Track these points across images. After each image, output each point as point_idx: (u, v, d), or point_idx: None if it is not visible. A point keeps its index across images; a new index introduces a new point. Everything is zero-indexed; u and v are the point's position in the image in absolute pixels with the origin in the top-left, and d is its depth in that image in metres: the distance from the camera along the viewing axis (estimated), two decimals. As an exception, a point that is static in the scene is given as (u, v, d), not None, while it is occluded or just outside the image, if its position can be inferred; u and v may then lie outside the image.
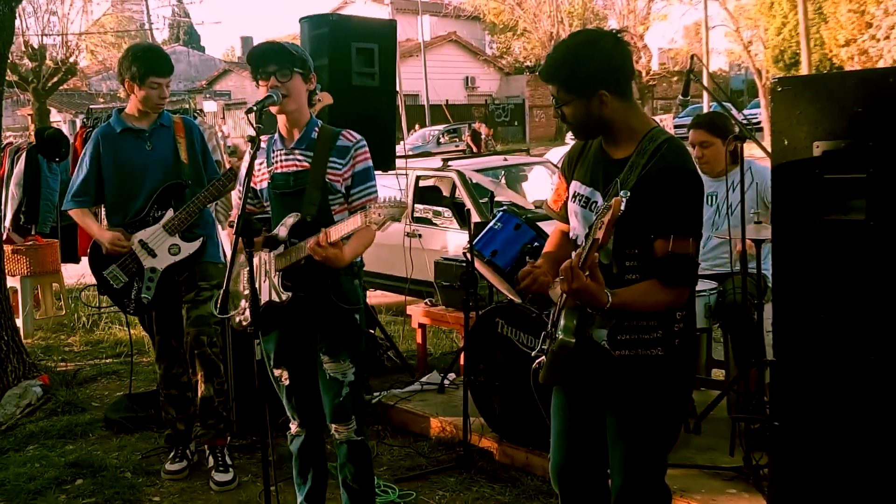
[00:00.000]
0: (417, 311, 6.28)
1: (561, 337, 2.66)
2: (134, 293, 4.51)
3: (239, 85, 39.22)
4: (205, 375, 4.61)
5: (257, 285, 3.56)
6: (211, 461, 4.67)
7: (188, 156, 4.52)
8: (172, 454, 4.75)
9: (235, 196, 3.80)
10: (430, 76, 36.23)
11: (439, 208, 8.92)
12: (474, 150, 28.31)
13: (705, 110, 23.58)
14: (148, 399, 5.52)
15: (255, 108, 3.35)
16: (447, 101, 37.18)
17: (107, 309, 7.80)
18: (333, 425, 3.61)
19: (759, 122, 25.67)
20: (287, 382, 3.69)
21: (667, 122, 27.73)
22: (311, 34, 5.47)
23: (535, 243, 4.68)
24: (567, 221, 3.00)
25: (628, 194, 2.27)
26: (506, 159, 9.54)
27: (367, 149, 3.62)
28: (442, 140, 30.43)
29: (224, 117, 36.96)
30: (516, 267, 4.67)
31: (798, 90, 2.95)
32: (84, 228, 4.63)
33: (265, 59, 3.50)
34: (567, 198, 2.95)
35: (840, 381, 2.88)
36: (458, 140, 30.82)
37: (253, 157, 3.33)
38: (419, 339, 6.37)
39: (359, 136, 3.63)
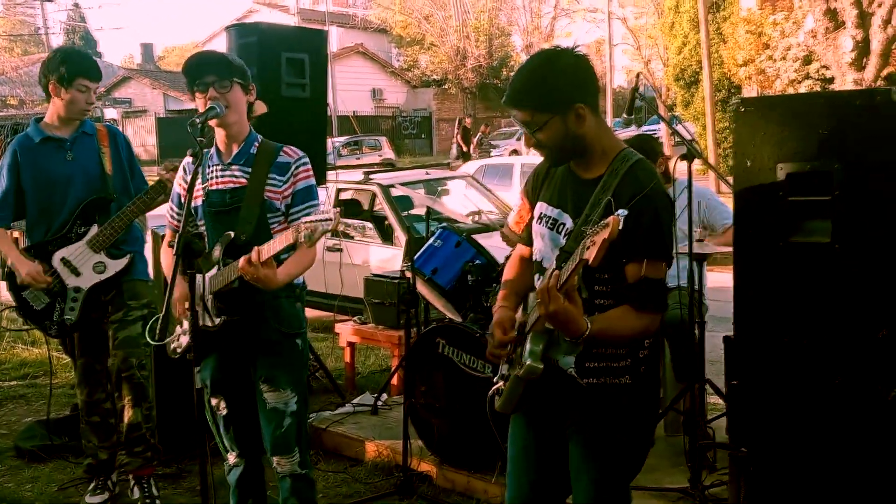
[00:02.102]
0: (346, 329, 6.10)
1: (529, 363, 2.54)
2: (56, 315, 4.20)
3: (139, 92, 38.12)
4: (132, 400, 4.30)
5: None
6: (136, 492, 4.40)
7: (113, 167, 4.24)
8: (93, 485, 4.44)
9: (167, 212, 3.57)
10: (338, 87, 35.92)
11: (361, 222, 8.79)
12: (464, 149, 27.24)
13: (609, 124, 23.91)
14: (62, 425, 5.18)
15: (197, 121, 3.16)
16: (354, 112, 36.92)
17: (9, 327, 7.38)
18: (275, 458, 3.42)
19: (658, 138, 26.25)
20: (224, 412, 3.49)
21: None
22: (239, 43, 5.26)
23: (476, 261, 4.59)
24: (528, 244, 2.90)
25: (626, 213, 2.17)
26: (427, 173, 9.46)
27: (309, 166, 3.45)
28: (343, 152, 29.94)
29: (123, 125, 35.83)
30: (457, 286, 4.59)
31: (762, 111, 2.94)
32: (2, 251, 4.27)
33: (203, 69, 3.32)
34: (530, 220, 2.85)
35: (804, 405, 2.86)
36: (358, 153, 30.32)
37: (195, 174, 3.14)
38: (347, 359, 6.20)
39: (301, 153, 3.47)
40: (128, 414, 4.34)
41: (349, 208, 9.24)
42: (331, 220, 2.87)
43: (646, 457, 2.81)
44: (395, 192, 7.96)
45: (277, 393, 3.38)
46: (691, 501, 3.97)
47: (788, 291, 2.89)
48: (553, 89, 2.53)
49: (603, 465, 2.68)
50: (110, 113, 33.63)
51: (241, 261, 3.10)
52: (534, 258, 2.80)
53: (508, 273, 2.96)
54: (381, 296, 5.93)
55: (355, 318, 6.24)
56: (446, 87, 43.00)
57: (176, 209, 3.52)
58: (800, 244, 2.86)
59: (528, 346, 2.58)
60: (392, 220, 8.30)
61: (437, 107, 43.14)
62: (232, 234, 3.25)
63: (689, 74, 27.94)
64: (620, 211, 2.16)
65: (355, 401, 5.51)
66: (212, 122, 3.28)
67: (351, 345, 6.16)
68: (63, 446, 5.02)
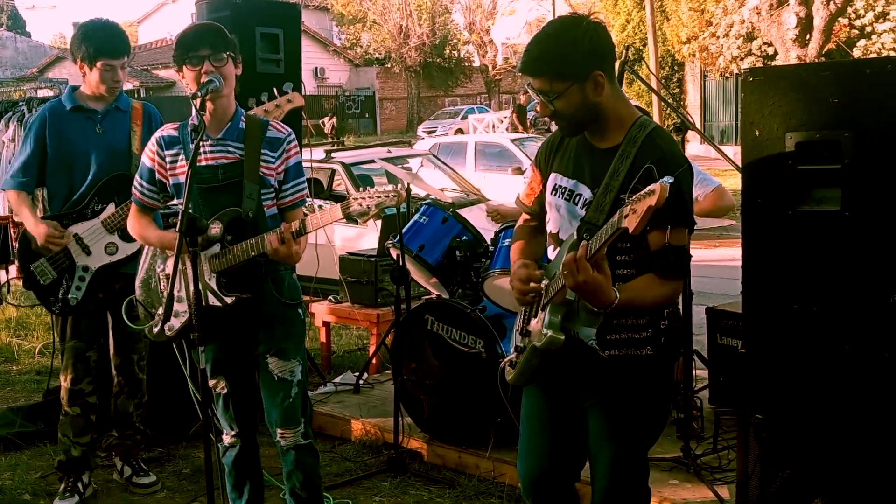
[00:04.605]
0: (321, 309, 6.04)
1: (550, 333, 2.52)
2: (62, 292, 4.07)
3: (74, 72, 36.98)
4: (129, 391, 4.29)
5: (178, 290, 3.28)
6: (127, 470, 4.34)
7: (142, 146, 4.06)
8: (63, 486, 4.19)
9: (135, 185, 3.47)
10: (280, 66, 35.43)
11: (321, 201, 8.69)
12: (519, 129, 26.69)
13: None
14: (36, 411, 5.04)
15: (199, 95, 3.08)
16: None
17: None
18: (280, 430, 3.38)
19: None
20: (224, 391, 3.44)
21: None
22: (210, 17, 5.11)
23: (464, 237, 4.58)
24: (537, 217, 2.88)
25: (672, 180, 2.15)
26: (389, 151, 9.40)
27: (296, 142, 3.42)
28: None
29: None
30: (445, 262, 4.56)
31: (771, 81, 2.96)
32: (19, 217, 4.17)
33: (198, 41, 3.24)
34: (540, 192, 2.82)
35: (814, 372, 2.91)
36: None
37: (196, 148, 3.05)
38: (323, 338, 6.14)
39: (288, 129, 3.44)
40: (121, 401, 4.27)
41: (311, 187, 9.14)
42: (394, 194, 2.87)
43: (664, 427, 2.84)
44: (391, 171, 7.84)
45: (285, 363, 3.35)
46: (684, 470, 4.03)
47: (797, 259, 2.92)
48: (572, 57, 2.51)
49: (624, 437, 2.69)
50: (45, 94, 32.70)
51: (272, 238, 3.05)
52: (549, 230, 2.78)
53: (515, 247, 2.93)
54: (358, 274, 5.88)
55: (330, 297, 6.18)
56: (389, 65, 42.71)
57: (146, 184, 3.41)
58: (809, 212, 2.89)
59: (546, 317, 2.57)
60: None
61: (381, 86, 42.85)
62: (238, 210, 3.19)
63: (632, 52, 28.18)
64: (666, 178, 2.15)
65: (336, 380, 5.47)
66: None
67: (326, 324, 6.10)
68: (38, 433, 4.88)
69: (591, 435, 2.73)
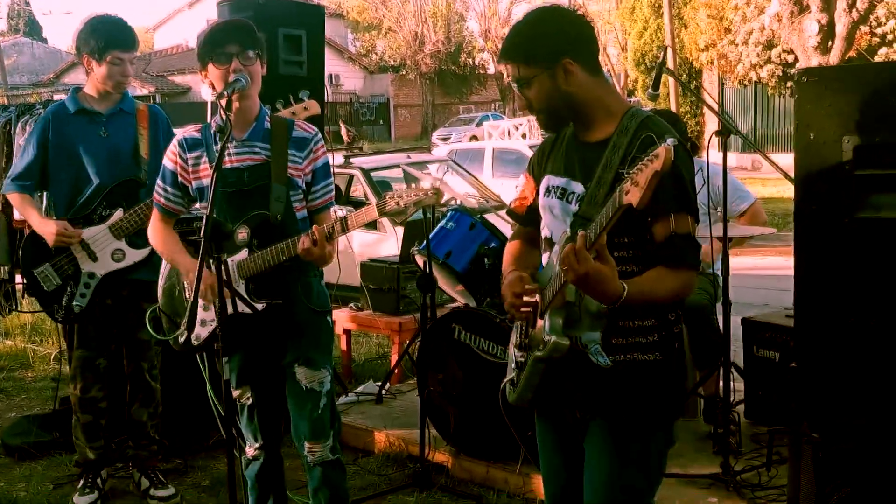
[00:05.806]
0: (342, 317, 5.90)
1: (553, 339, 2.28)
2: (66, 299, 3.95)
3: (90, 78, 37.20)
4: (142, 400, 4.17)
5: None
6: (145, 482, 4.21)
7: (150, 150, 3.96)
8: (82, 483, 4.15)
9: (157, 190, 3.34)
10: (294, 73, 35.39)
11: (339, 207, 8.58)
12: None
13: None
14: (51, 420, 4.92)
15: (225, 94, 2.96)
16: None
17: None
18: (308, 444, 3.25)
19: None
20: (249, 402, 3.31)
21: (534, 121, 28.16)
22: (232, 18, 5.03)
23: (492, 244, 4.43)
24: (530, 225, 2.69)
25: (675, 141, 2.00)
26: (409, 156, 9.29)
27: (323, 142, 3.29)
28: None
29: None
30: (472, 269, 4.42)
31: (827, 82, 2.81)
32: (24, 218, 4.07)
33: (226, 38, 3.12)
34: (533, 199, 2.64)
35: (871, 387, 2.76)
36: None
37: (223, 150, 2.93)
38: (344, 347, 6.01)
39: (315, 128, 3.32)
40: (133, 412, 4.17)
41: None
42: (433, 191, 2.73)
43: (665, 454, 2.58)
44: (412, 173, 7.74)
45: (314, 372, 3.23)
46: (723, 487, 3.87)
47: (854, 270, 2.77)
48: (541, 42, 2.41)
49: (625, 455, 2.43)
50: (61, 98, 32.80)
51: (305, 240, 2.93)
52: (543, 235, 2.61)
53: (508, 257, 2.74)
54: (380, 281, 5.75)
55: (350, 304, 6.05)
56: (404, 72, 42.67)
57: (170, 188, 3.28)
58: (867, 220, 2.74)
59: (547, 323, 2.35)
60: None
61: (395, 93, 42.81)
62: (266, 214, 3.07)
63: (649, 59, 27.98)
64: (670, 140, 2.00)
65: (358, 390, 5.34)
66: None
67: (347, 332, 5.98)
68: (54, 442, 4.76)
69: (587, 451, 2.50)
